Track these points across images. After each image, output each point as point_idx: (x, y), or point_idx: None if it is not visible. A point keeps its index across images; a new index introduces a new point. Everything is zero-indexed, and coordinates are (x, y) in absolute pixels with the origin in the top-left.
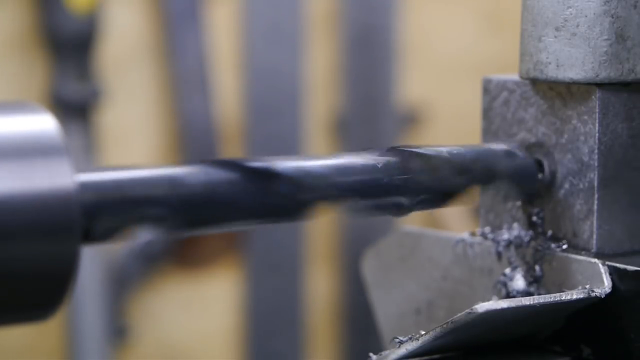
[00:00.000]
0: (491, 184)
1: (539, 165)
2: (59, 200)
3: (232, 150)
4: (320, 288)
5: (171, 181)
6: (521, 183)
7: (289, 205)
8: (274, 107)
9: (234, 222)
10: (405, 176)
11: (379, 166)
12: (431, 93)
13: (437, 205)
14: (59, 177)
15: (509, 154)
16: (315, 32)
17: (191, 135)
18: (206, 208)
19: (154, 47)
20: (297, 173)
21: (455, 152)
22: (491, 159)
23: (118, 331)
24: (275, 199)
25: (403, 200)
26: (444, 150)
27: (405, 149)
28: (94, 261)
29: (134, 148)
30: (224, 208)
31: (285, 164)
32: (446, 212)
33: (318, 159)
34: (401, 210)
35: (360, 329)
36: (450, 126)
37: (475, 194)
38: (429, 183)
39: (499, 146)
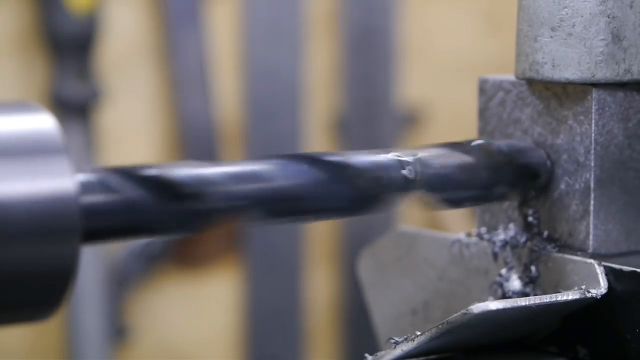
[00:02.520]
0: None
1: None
2: (59, 200)
3: (231, 150)
4: (320, 288)
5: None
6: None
7: (189, 216)
8: (274, 107)
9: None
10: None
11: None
12: (431, 93)
13: (351, 214)
14: (59, 177)
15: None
16: (315, 33)
17: (191, 135)
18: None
19: (154, 47)
20: (195, 182)
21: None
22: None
23: (118, 331)
24: (179, 210)
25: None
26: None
27: (312, 155)
28: (94, 261)
29: (134, 148)
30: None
31: (184, 172)
32: (445, 212)
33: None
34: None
35: (360, 329)
36: (450, 126)
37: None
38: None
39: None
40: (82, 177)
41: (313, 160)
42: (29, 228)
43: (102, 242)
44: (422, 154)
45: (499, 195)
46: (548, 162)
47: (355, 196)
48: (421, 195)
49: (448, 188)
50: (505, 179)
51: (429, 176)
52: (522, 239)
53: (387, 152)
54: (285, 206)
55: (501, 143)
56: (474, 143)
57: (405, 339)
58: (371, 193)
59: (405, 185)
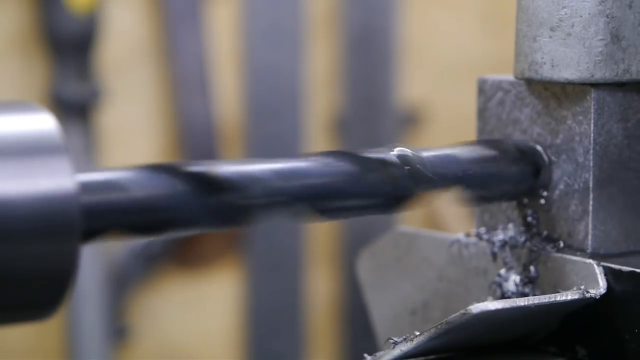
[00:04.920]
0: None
1: (535, 165)
2: (59, 200)
3: (232, 150)
4: (320, 288)
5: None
6: (518, 184)
7: (230, 212)
8: (274, 107)
9: (175, 228)
10: (354, 179)
11: (325, 169)
12: (431, 93)
13: (386, 210)
14: (59, 177)
15: (503, 154)
16: (315, 32)
17: (191, 135)
18: (148, 214)
19: (154, 47)
20: (238, 178)
21: (414, 155)
22: (475, 162)
23: (118, 331)
24: (217, 205)
25: (352, 203)
26: (394, 153)
27: (350, 152)
28: (94, 261)
29: (134, 148)
30: (165, 214)
31: (227, 168)
32: (445, 212)
33: (261, 163)
34: (352, 213)
35: (360, 329)
36: (450, 126)
37: (430, 200)
38: (379, 186)
39: (493, 148)
40: (82, 177)
41: (174, 170)
42: (29, 228)
43: (102, 242)
44: (310, 163)
45: (501, 194)
46: (547, 161)
47: (221, 209)
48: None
49: (330, 199)
50: (512, 176)
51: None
52: (521, 239)
53: (276, 161)
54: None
55: (503, 141)
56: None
57: (405, 339)
58: (239, 206)
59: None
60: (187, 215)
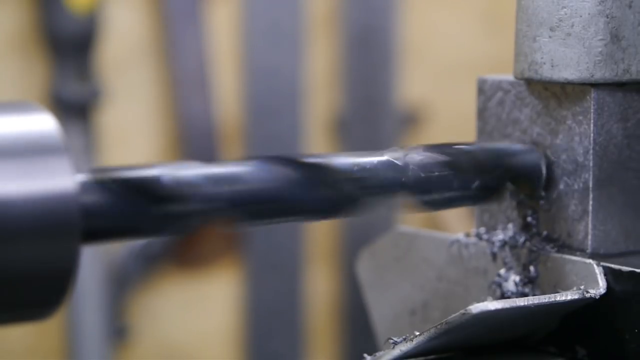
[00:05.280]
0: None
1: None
2: (59, 200)
3: (232, 150)
4: (320, 288)
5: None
6: (530, 181)
7: (340, 201)
8: (274, 107)
9: (289, 216)
10: (449, 173)
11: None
12: (431, 93)
13: (476, 202)
14: (59, 177)
15: (516, 151)
16: (315, 32)
17: (191, 135)
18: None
19: (154, 47)
20: (350, 169)
21: (475, 150)
22: (506, 157)
23: (118, 331)
24: (328, 195)
25: (451, 195)
26: (466, 148)
27: (439, 146)
28: (94, 261)
29: (134, 148)
30: (281, 203)
31: (340, 160)
32: (445, 212)
33: (367, 155)
34: (451, 204)
35: (360, 329)
36: (450, 126)
37: (505, 192)
38: (472, 178)
39: (506, 145)
40: (81, 177)
41: (291, 162)
42: (29, 228)
43: (102, 242)
44: (410, 156)
45: (482, 197)
46: (542, 165)
47: (335, 199)
48: (408, 198)
49: (433, 190)
50: (489, 181)
51: (416, 179)
52: (521, 239)
53: (381, 154)
54: (262, 208)
55: (489, 145)
56: (457, 145)
57: (404, 339)
58: (353, 196)
59: (394, 188)
60: (301, 204)
